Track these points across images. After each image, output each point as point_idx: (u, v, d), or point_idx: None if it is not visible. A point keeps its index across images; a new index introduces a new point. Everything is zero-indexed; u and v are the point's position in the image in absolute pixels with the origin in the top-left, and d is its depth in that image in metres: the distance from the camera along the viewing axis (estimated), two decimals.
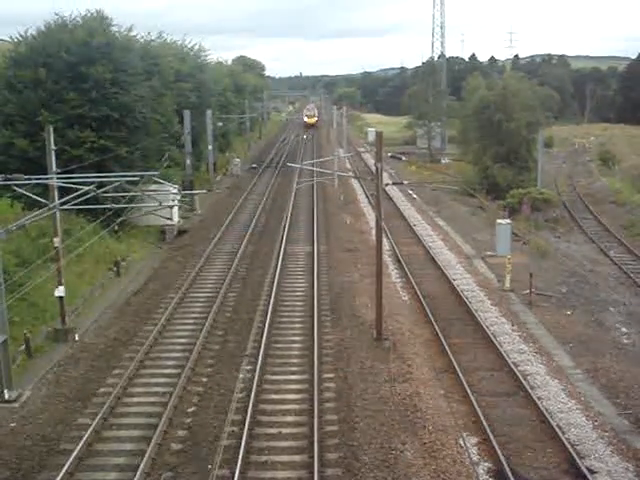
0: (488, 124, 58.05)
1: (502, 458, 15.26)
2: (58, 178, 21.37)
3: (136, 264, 31.27)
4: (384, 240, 27.34)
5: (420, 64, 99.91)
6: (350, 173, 59.49)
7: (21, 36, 35.67)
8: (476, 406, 17.66)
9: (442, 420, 16.99)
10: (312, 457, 14.82)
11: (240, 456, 14.74)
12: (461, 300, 26.30)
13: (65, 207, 21.14)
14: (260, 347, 20.84)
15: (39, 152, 26.77)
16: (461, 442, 16.13)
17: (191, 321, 23.77)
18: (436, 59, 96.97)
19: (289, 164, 48.18)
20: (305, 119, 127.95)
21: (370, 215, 41.20)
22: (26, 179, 20.69)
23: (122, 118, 34.73)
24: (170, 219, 35.71)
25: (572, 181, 62.49)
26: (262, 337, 21.63)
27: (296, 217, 41.98)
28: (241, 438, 15.52)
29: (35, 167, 26.16)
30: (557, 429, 16.49)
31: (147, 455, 14.92)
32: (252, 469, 14.73)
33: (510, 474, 14.69)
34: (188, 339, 21.97)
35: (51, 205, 20.54)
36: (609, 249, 37.93)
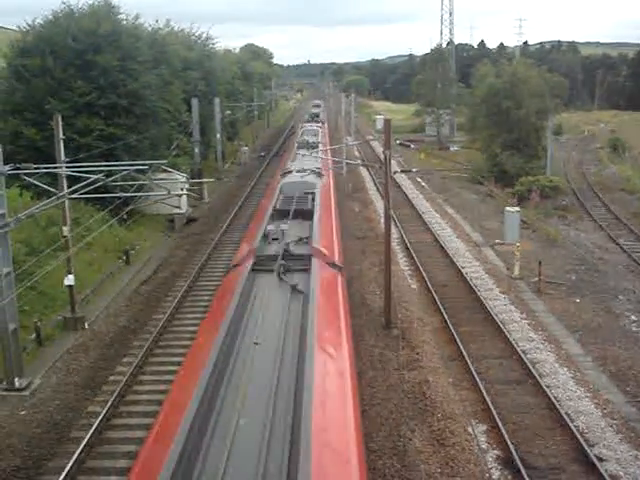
0: (497, 111, 57.67)
1: (511, 446, 15.28)
2: (67, 167, 21.37)
3: (145, 252, 31.34)
4: (393, 228, 27.29)
5: (429, 51, 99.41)
6: (358, 161, 59.27)
7: (29, 25, 35.68)
8: (485, 394, 17.68)
9: (451, 408, 17.00)
10: None
11: None
12: (470, 288, 26.27)
13: (74, 196, 21.15)
14: None
15: (47, 141, 26.76)
16: (470, 430, 16.15)
17: (201, 309, 23.81)
18: (445, 46, 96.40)
19: (296, 152, 47.88)
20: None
21: (379, 203, 41.11)
22: (35, 168, 20.70)
23: (130, 106, 34.72)
24: (179, 208, 35.81)
25: (582, 168, 62.07)
26: None
27: None
28: None
29: (43, 156, 26.14)
30: (566, 417, 16.49)
31: None
32: None
33: (519, 462, 14.71)
34: (197, 327, 21.96)
35: (60, 194, 20.54)
36: (619, 237, 37.67)
